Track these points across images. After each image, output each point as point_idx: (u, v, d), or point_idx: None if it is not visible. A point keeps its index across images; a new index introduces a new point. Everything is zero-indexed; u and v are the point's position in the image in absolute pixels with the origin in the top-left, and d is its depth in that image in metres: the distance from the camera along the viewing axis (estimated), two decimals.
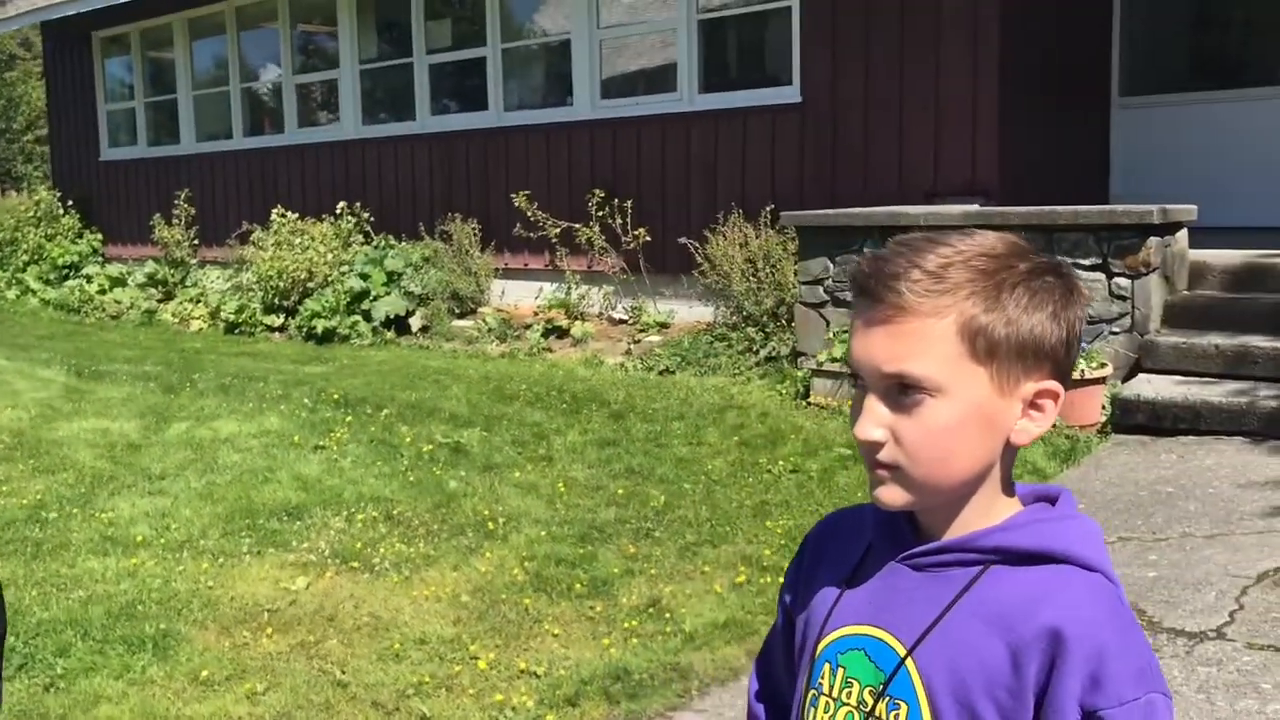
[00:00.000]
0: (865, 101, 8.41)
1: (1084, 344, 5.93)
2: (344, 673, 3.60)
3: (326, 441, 6.26)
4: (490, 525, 4.89)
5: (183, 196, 13.33)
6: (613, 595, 4.18)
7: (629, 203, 9.46)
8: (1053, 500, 1.13)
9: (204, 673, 3.60)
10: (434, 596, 4.18)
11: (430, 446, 6.09)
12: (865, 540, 1.16)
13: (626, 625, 3.90)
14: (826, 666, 1.13)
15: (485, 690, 3.46)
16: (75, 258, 14.46)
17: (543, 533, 4.81)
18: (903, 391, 1.05)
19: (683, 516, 4.98)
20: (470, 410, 6.89)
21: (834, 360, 6.94)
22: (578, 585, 4.24)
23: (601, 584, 4.27)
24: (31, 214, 15.03)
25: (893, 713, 1.07)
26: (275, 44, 13.04)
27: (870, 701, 1.08)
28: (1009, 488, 1.12)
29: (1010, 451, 1.10)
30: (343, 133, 12.12)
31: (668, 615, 3.97)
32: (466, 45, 11.13)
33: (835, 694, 1.12)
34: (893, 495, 1.07)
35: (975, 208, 7.01)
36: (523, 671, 3.59)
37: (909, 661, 1.06)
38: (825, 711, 1.12)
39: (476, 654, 3.70)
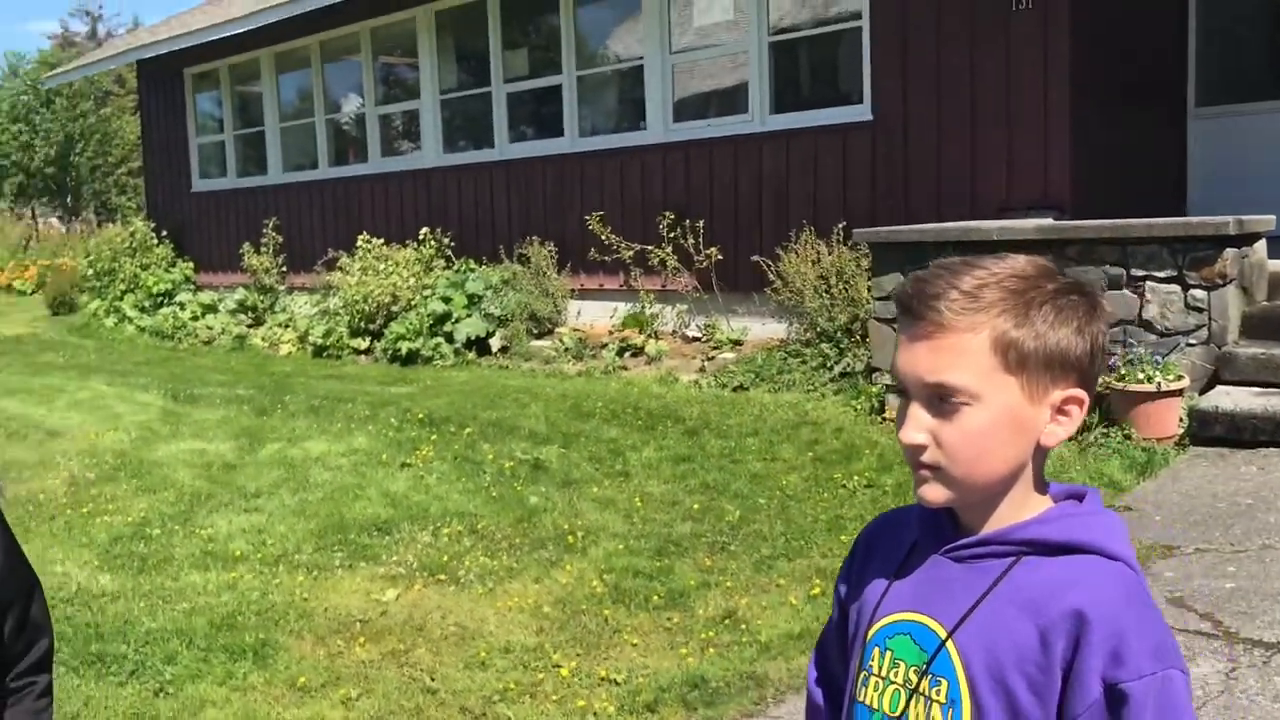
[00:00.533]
0: (937, 117, 8.46)
1: (1159, 356, 5.91)
2: (433, 680, 3.77)
3: (412, 459, 6.48)
4: (570, 539, 5.05)
5: (270, 225, 13.79)
6: (689, 607, 4.29)
7: (701, 223, 9.60)
8: (1081, 498, 1.24)
9: (301, 679, 3.79)
10: (517, 607, 4.34)
11: (511, 463, 6.28)
12: (911, 537, 1.28)
13: (703, 635, 4.01)
14: (876, 650, 1.25)
15: (568, 697, 3.61)
16: (169, 286, 15.00)
17: (621, 546, 4.95)
18: (942, 399, 1.17)
19: (758, 531, 5.08)
20: (549, 428, 7.06)
21: None
22: (655, 597, 4.37)
23: (679, 596, 4.39)
24: (127, 245, 15.63)
25: (934, 689, 1.18)
26: (358, 76, 13.45)
27: (915, 679, 1.20)
28: (1041, 486, 1.23)
29: (1041, 453, 1.21)
30: (424, 161, 12.46)
31: (743, 626, 4.07)
32: (543, 73, 11.39)
33: (884, 673, 1.24)
34: (935, 493, 1.19)
35: (1048, 221, 7.01)
36: (603, 679, 3.72)
37: (949, 643, 1.18)
38: (875, 689, 1.24)
39: (559, 662, 3.85)
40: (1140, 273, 6.25)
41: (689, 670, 3.73)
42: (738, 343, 9.29)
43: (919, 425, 1.18)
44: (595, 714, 3.47)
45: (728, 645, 3.93)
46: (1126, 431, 5.88)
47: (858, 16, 8.89)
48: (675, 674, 3.71)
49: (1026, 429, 1.18)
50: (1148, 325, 6.22)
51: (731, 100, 9.98)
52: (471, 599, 4.45)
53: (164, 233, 15.65)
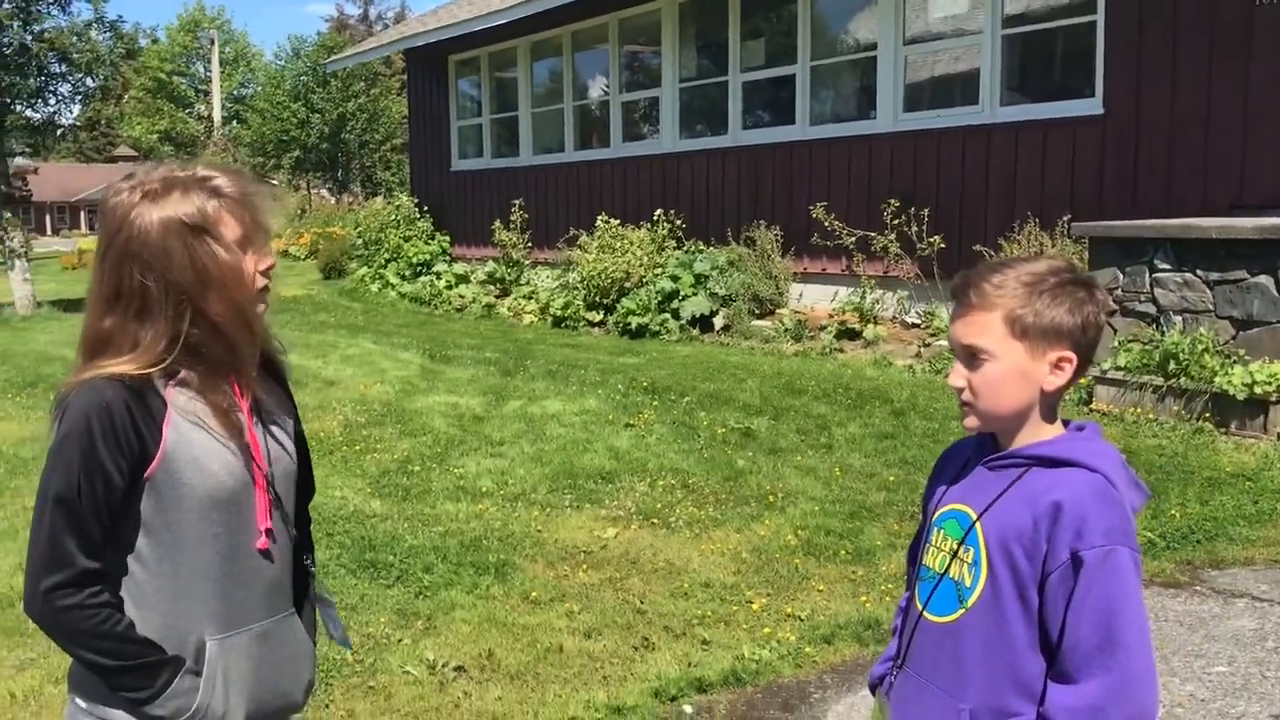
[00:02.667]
0: (1170, 112, 8.41)
1: None
2: (643, 603, 4.38)
3: (635, 421, 7.14)
4: (771, 498, 5.57)
5: (518, 204, 14.85)
6: (874, 563, 4.74)
7: (925, 211, 9.83)
8: (1082, 429, 1.71)
9: (533, 594, 4.49)
10: (719, 551, 4.90)
11: (724, 430, 6.84)
12: (967, 456, 1.81)
13: (883, 587, 4.46)
14: (935, 530, 1.78)
15: (756, 626, 4.14)
16: (427, 257, 16.34)
17: (816, 508, 5.43)
18: (973, 356, 1.68)
19: None
20: (761, 401, 7.58)
21: (1118, 369, 7.10)
22: (843, 552, 4.84)
23: (865, 553, 4.84)
24: (393, 218, 17.11)
25: (966, 553, 1.70)
26: (605, 64, 14.29)
27: (955, 548, 1.72)
28: (1050, 418, 1.71)
29: (1046, 396, 1.68)
30: (661, 146, 13.15)
31: None
32: (778, 63, 11.84)
33: (938, 545, 1.77)
34: (970, 421, 1.72)
35: (1269, 221, 6.92)
36: (789, 615, 4.23)
37: (977, 524, 1.69)
38: (932, 556, 1.77)
39: (751, 599, 4.39)
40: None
41: (865, 613, 4.19)
42: None
43: (959, 374, 1.71)
44: (779, 641, 3.99)
45: None
46: None
47: (1092, 9, 8.91)
48: (853, 615, 4.18)
49: (1031, 378, 1.67)
50: None
51: (961, 91, 10.15)
52: (679, 541, 5.05)
53: (425, 208, 17.02)
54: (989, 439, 1.76)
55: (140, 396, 1.68)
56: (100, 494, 1.65)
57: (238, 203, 1.74)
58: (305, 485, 1.95)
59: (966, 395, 1.69)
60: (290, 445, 1.88)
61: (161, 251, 1.68)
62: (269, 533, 1.78)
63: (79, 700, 1.75)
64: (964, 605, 1.68)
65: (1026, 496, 1.64)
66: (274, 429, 1.84)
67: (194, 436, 1.70)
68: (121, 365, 1.68)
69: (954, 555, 1.71)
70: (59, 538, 1.64)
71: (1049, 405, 1.70)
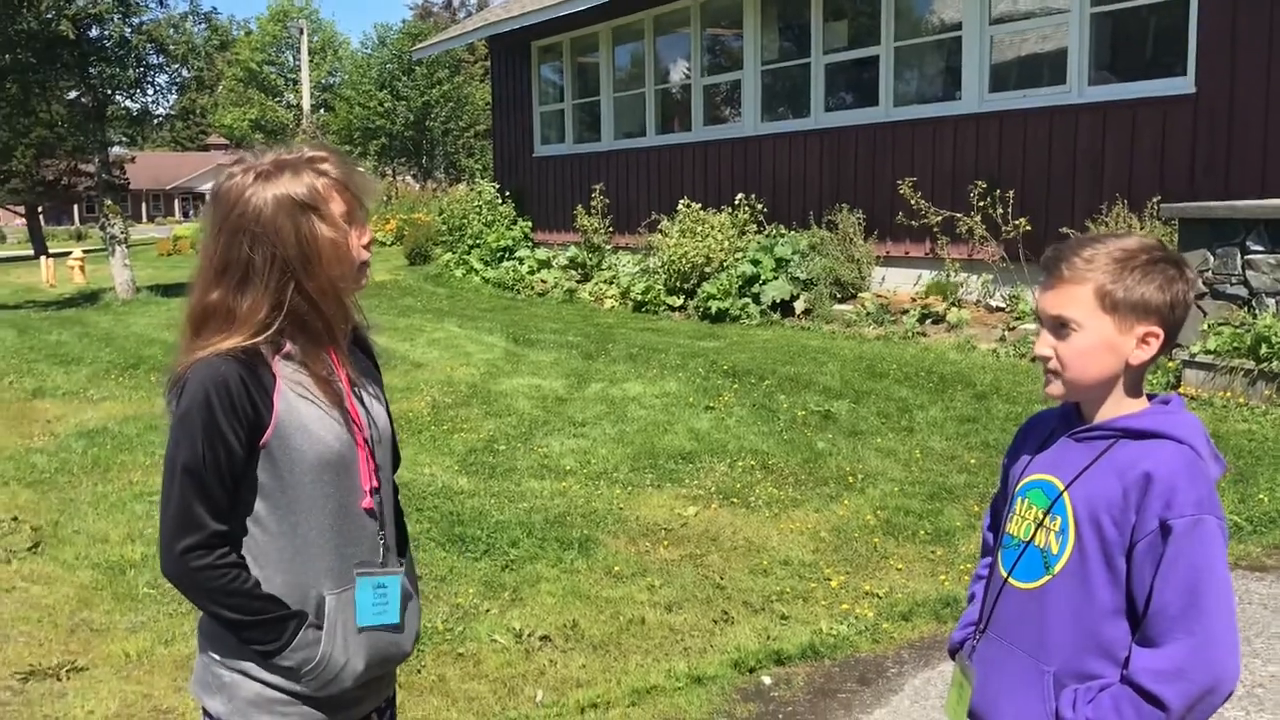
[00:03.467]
0: (1266, 92, 8.21)
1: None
2: (722, 579, 4.47)
3: (715, 404, 7.22)
4: (850, 479, 5.61)
5: (599, 189, 14.97)
6: (953, 543, 4.76)
7: (1011, 193, 9.73)
8: (1168, 403, 1.76)
9: (615, 568, 4.60)
10: (798, 530, 4.96)
11: (803, 413, 6.88)
12: (1051, 427, 1.87)
13: (962, 567, 4.48)
14: (1019, 499, 1.84)
15: (834, 603, 4.20)
16: (510, 242, 16.55)
17: (896, 489, 5.46)
18: (1061, 326, 1.73)
19: None
20: (842, 385, 7.60)
21: (1208, 352, 6.98)
22: (922, 532, 4.87)
23: (944, 534, 4.87)
24: (475, 204, 17.35)
25: (1052, 523, 1.76)
26: (686, 48, 14.32)
27: (1041, 517, 1.78)
28: (1135, 391, 1.76)
29: (1131, 370, 1.73)
30: (743, 129, 13.15)
31: None
32: (861, 44, 11.76)
33: (1022, 514, 1.83)
34: (1054, 389, 1.77)
35: None
36: (867, 593, 4.29)
37: (1065, 494, 1.75)
38: (1016, 524, 1.83)
39: (829, 576, 4.45)
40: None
41: (944, 591, 4.22)
42: None
43: (1045, 343, 1.76)
44: (857, 617, 4.05)
45: None
46: None
47: None
48: (931, 593, 4.22)
49: (1117, 351, 1.72)
50: None
51: (1048, 71, 10.00)
52: (759, 520, 5.12)
53: (507, 194, 17.23)
54: (1074, 411, 1.81)
55: (253, 370, 1.80)
56: (223, 461, 1.78)
57: (343, 182, 1.86)
58: (393, 454, 2.07)
59: (1053, 364, 1.74)
60: (383, 412, 2.00)
61: (273, 227, 1.80)
62: (373, 492, 1.90)
63: (213, 654, 1.87)
64: (1050, 572, 1.74)
65: (1116, 467, 1.70)
66: (368, 397, 1.96)
67: (300, 406, 1.83)
68: (231, 339, 1.80)
69: (1039, 524, 1.77)
70: (189, 504, 1.78)
71: (1134, 379, 1.75)
